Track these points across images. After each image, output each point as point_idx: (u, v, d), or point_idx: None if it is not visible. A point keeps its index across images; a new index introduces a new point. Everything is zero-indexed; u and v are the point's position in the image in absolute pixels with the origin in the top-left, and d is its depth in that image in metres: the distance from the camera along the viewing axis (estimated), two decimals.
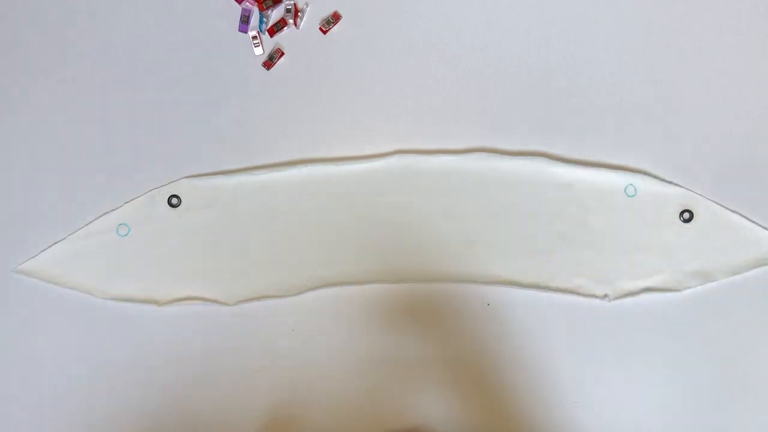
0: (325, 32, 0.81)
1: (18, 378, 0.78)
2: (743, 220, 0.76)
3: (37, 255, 0.79)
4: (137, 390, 0.77)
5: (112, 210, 0.79)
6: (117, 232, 0.78)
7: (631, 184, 0.77)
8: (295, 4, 0.80)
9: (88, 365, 0.78)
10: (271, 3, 0.80)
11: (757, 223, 0.76)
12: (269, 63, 0.80)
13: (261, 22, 0.80)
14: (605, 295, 0.76)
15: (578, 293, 0.76)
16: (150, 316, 0.78)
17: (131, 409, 0.77)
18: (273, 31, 0.80)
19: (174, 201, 0.79)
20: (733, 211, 0.76)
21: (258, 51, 0.80)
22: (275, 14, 0.81)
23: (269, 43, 0.81)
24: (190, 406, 0.77)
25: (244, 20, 0.80)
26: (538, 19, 0.80)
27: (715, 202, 0.76)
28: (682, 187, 0.77)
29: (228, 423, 0.76)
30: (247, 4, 0.80)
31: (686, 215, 0.76)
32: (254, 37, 0.80)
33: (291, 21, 0.80)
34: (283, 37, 0.81)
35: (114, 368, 0.78)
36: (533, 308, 0.76)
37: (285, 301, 0.78)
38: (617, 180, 0.77)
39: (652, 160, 0.78)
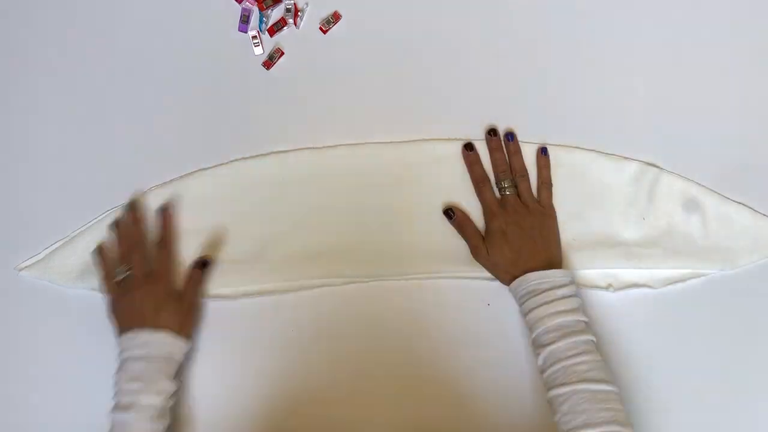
0: (325, 32, 0.81)
1: (18, 376, 0.78)
2: (749, 211, 0.75)
3: (38, 254, 0.79)
4: None
5: (113, 208, 0.79)
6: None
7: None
8: (295, 4, 0.81)
9: (88, 363, 0.78)
10: (271, 3, 0.80)
11: (764, 215, 0.75)
12: (269, 63, 0.80)
13: (261, 21, 0.81)
14: (609, 285, 0.75)
15: (582, 285, 0.75)
16: None
17: None
18: (273, 30, 0.81)
19: (175, 198, 0.79)
20: (739, 203, 0.75)
21: (258, 51, 0.81)
22: (275, 14, 0.81)
23: (269, 42, 0.81)
24: (189, 406, 0.77)
25: (244, 20, 0.81)
26: (539, 19, 0.80)
27: (721, 195, 0.75)
28: (688, 179, 0.76)
29: (228, 424, 0.76)
30: (247, 3, 0.81)
31: (691, 207, 0.76)
32: (254, 37, 0.81)
33: (291, 21, 0.80)
34: (283, 37, 0.81)
35: (114, 367, 0.78)
36: None
37: (285, 301, 0.77)
38: (623, 171, 0.77)
39: (657, 152, 0.77)
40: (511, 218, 0.73)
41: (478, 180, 0.76)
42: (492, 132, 0.77)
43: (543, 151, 0.76)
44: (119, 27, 0.83)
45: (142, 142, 0.81)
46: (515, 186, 0.76)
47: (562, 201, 0.76)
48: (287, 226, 0.78)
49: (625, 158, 0.77)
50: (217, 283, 0.78)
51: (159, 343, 0.71)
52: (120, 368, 0.71)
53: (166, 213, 0.78)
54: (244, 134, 0.80)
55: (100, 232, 0.79)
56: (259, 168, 0.79)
